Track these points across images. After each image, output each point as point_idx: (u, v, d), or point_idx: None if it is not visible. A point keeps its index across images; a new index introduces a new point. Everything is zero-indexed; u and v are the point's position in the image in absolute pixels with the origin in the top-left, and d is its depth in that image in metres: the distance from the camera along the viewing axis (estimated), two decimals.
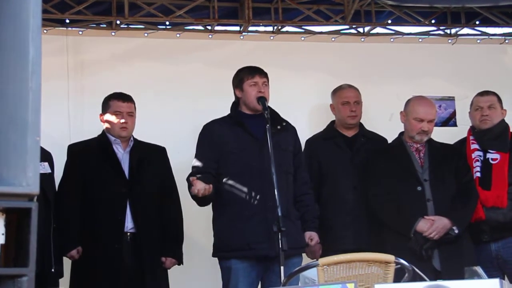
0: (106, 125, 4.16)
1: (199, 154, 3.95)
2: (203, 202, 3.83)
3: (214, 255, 3.94)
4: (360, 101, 4.61)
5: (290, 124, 4.11)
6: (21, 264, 1.49)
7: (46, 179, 3.72)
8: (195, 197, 3.74)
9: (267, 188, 3.71)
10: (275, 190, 3.53)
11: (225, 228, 3.88)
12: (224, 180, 3.89)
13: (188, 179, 3.79)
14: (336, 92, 4.65)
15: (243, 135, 3.93)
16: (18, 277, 1.48)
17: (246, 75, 3.99)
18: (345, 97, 4.57)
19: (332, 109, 4.67)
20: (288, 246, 3.43)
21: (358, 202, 4.29)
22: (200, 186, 3.63)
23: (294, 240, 3.70)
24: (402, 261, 3.14)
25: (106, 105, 4.18)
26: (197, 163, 3.91)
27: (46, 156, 3.90)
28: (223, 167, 3.90)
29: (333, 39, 5.24)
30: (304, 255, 4.03)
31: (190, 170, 3.93)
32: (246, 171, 3.86)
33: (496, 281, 2.60)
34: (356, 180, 4.35)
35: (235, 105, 4.07)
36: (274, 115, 3.94)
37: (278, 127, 3.95)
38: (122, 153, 4.13)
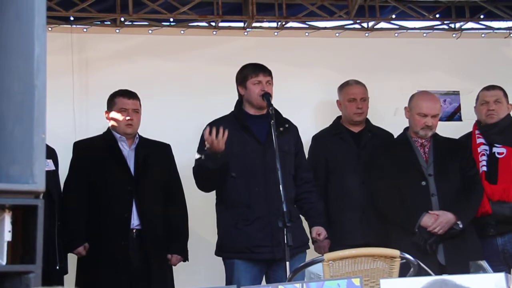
0: (112, 122, 4.17)
1: (202, 150, 3.92)
2: (213, 162, 3.70)
3: (217, 254, 3.94)
4: (367, 97, 4.58)
5: (292, 124, 4.09)
6: (28, 261, 1.50)
7: (50, 176, 3.71)
8: (207, 158, 3.69)
9: (270, 192, 3.71)
10: (280, 186, 3.49)
11: (228, 231, 3.87)
12: (227, 183, 3.86)
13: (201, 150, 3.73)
14: (342, 88, 4.63)
15: (247, 138, 3.90)
16: (25, 274, 1.49)
17: (250, 73, 3.95)
18: (352, 94, 4.55)
19: (338, 105, 4.65)
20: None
21: (366, 197, 4.28)
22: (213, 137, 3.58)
23: (295, 238, 3.69)
24: (407, 256, 3.14)
25: (112, 102, 4.18)
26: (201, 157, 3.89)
27: (50, 153, 3.89)
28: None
29: (337, 35, 5.23)
30: (309, 251, 4.03)
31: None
32: (249, 175, 3.84)
33: (501, 275, 2.60)
34: (363, 175, 4.34)
35: (239, 104, 4.04)
36: (277, 116, 3.88)
37: (281, 129, 3.91)
38: (128, 150, 4.14)
